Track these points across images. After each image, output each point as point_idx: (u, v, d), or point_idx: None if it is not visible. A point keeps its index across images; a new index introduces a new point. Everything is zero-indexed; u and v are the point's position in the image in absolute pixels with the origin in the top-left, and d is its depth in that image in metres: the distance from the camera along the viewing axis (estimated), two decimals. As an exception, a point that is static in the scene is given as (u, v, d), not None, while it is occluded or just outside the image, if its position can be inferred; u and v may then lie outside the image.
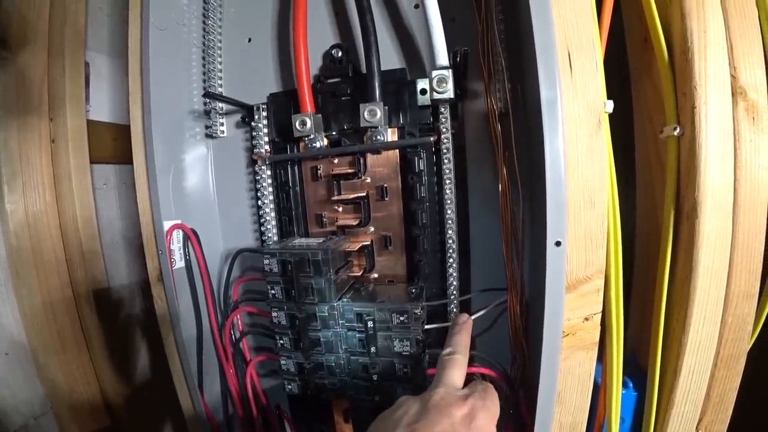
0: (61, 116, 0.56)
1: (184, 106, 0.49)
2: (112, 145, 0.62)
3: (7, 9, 0.53)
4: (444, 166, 0.40)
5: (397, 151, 0.42)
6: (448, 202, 0.40)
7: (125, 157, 0.47)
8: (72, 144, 0.56)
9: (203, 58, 0.50)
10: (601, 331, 0.33)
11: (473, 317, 0.38)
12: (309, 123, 0.42)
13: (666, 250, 0.34)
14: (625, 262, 0.33)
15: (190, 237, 0.47)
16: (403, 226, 0.44)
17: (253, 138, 0.47)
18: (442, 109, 0.39)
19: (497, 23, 0.39)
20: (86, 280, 0.58)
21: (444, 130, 0.39)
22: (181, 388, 0.49)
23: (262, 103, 0.47)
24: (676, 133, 0.33)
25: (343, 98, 0.44)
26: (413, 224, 0.42)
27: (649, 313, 0.36)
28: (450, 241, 0.41)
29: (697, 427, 0.36)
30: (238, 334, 0.50)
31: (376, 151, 0.43)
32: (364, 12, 0.40)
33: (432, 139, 0.40)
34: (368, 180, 0.44)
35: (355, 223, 0.44)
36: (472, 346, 0.35)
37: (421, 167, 0.41)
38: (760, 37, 0.32)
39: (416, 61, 0.44)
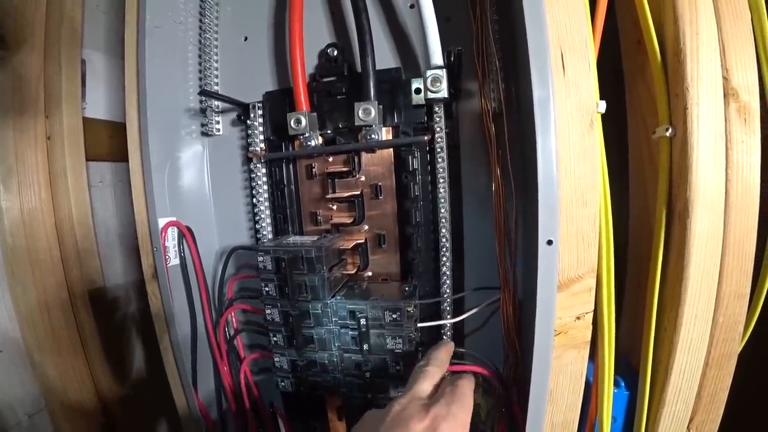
0: (56, 114, 0.55)
1: (180, 104, 0.49)
2: (108, 142, 0.62)
3: (4, 6, 0.53)
4: (438, 165, 0.40)
5: (392, 149, 0.43)
6: (442, 200, 0.40)
7: (121, 155, 0.47)
8: (68, 141, 0.56)
9: (199, 57, 0.50)
10: (592, 330, 0.33)
11: (466, 315, 0.39)
12: (304, 121, 0.42)
13: (658, 249, 0.34)
14: (617, 261, 0.33)
15: (185, 234, 0.47)
16: (397, 224, 0.44)
17: (248, 136, 0.48)
18: (437, 109, 0.40)
19: (492, 23, 0.39)
20: (81, 278, 0.58)
21: (438, 129, 0.40)
22: (176, 385, 0.49)
23: (258, 102, 0.47)
24: (668, 134, 0.33)
25: (338, 97, 0.44)
26: (407, 223, 0.42)
27: (641, 312, 0.36)
28: (443, 240, 0.41)
29: (688, 427, 0.36)
30: (232, 332, 0.51)
31: (371, 149, 0.43)
32: (360, 11, 0.40)
33: (426, 138, 0.40)
34: (362, 178, 0.44)
35: (349, 221, 0.44)
36: (464, 345, 0.35)
37: (415, 166, 0.41)
38: (752, 39, 0.32)
39: (411, 60, 0.44)
